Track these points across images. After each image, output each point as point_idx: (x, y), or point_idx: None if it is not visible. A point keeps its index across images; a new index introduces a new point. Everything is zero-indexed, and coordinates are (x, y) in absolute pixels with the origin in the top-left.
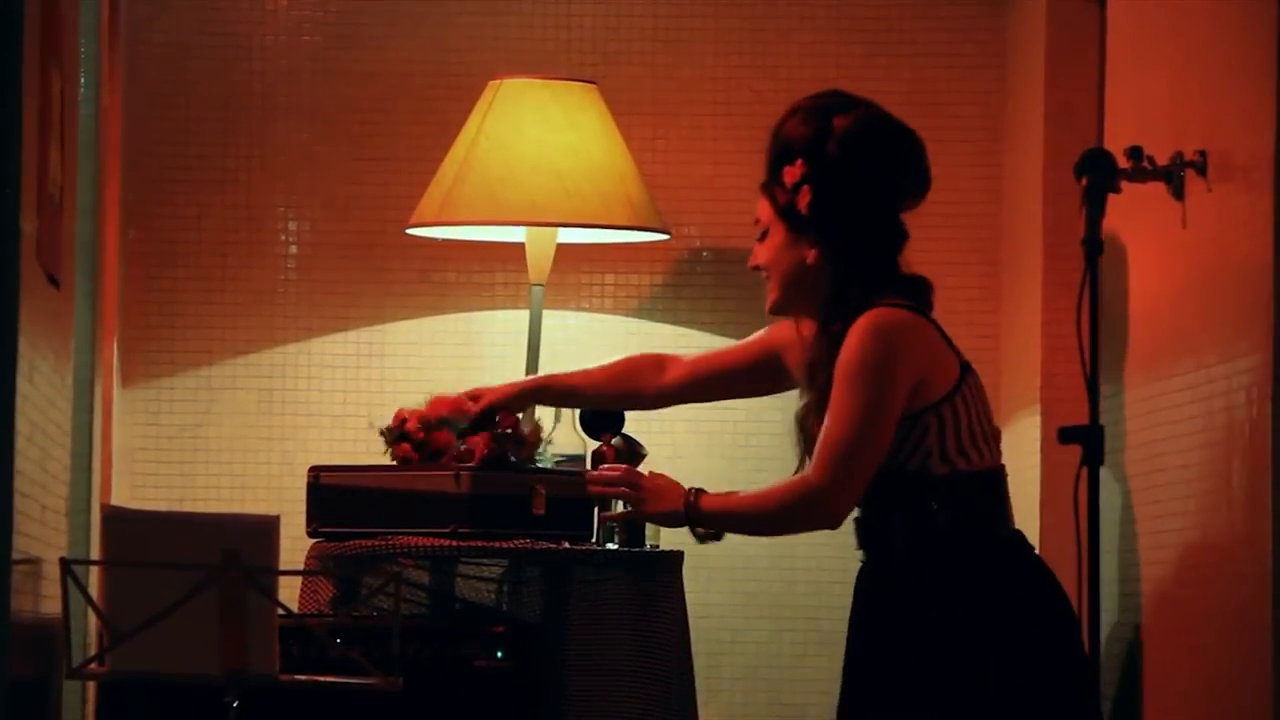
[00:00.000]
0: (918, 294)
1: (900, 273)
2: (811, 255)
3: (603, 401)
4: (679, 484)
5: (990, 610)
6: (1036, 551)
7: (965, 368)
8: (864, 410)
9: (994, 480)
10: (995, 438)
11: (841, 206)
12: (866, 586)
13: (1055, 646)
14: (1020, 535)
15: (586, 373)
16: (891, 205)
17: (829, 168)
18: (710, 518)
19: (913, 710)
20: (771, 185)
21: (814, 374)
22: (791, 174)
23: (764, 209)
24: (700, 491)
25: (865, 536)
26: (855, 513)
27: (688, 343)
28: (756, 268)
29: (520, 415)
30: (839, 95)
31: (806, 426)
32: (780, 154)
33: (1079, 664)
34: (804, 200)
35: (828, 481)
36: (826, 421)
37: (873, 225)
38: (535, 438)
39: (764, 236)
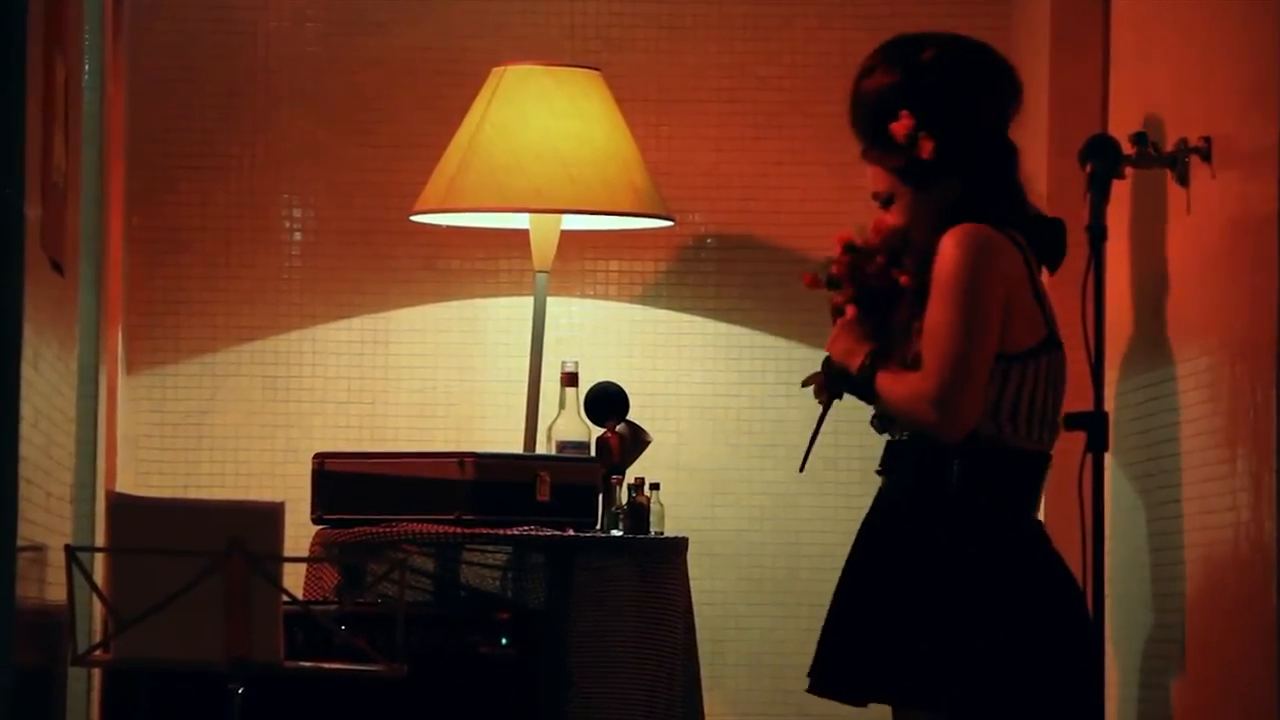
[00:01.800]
0: (1037, 234)
1: (1026, 204)
2: (950, 189)
3: None
4: (866, 344)
5: (992, 594)
6: (1052, 544)
7: (1053, 341)
8: (964, 314)
9: (1034, 463)
10: (1053, 424)
11: (963, 138)
12: (880, 516)
13: (1058, 637)
14: (1040, 525)
15: None
16: (999, 124)
17: (937, 105)
18: (872, 390)
19: (887, 660)
20: (879, 149)
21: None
22: (900, 128)
23: (878, 177)
24: (876, 362)
25: (892, 463)
26: (887, 433)
27: (692, 328)
28: (899, 236)
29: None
30: (902, 37)
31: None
32: (876, 112)
33: (1079, 660)
34: (926, 148)
35: (941, 388)
36: (925, 334)
37: (994, 145)
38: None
39: (888, 203)
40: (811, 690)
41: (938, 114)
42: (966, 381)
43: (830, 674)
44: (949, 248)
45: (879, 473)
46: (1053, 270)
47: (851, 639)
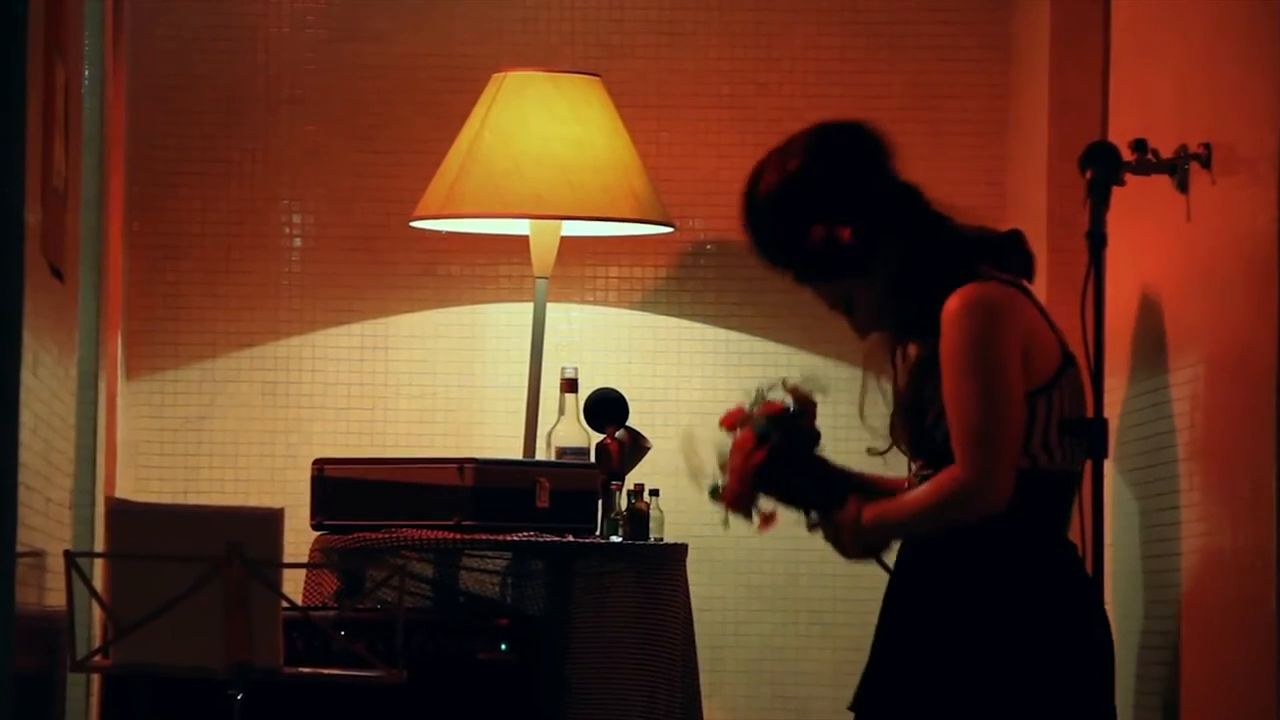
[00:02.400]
0: (1004, 255)
1: (980, 233)
2: (892, 265)
3: None
4: (852, 506)
5: (1025, 617)
6: (1084, 565)
7: (1068, 358)
8: (982, 392)
9: (1066, 483)
10: (1079, 440)
11: (871, 209)
12: (911, 555)
13: (1081, 663)
14: (1073, 547)
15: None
16: (892, 181)
17: (829, 190)
18: (872, 530)
19: (930, 692)
20: (807, 268)
21: (913, 375)
22: (818, 231)
23: (826, 293)
24: (861, 507)
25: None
26: (925, 472)
27: (692, 335)
28: (866, 331)
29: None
30: (759, 165)
31: (900, 427)
32: (789, 230)
33: (1099, 685)
34: (845, 234)
35: (976, 473)
36: (950, 415)
37: (896, 200)
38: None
39: (852, 309)
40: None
41: (838, 198)
42: (996, 462)
43: (873, 706)
44: (955, 317)
45: None
46: (1031, 279)
47: (894, 673)
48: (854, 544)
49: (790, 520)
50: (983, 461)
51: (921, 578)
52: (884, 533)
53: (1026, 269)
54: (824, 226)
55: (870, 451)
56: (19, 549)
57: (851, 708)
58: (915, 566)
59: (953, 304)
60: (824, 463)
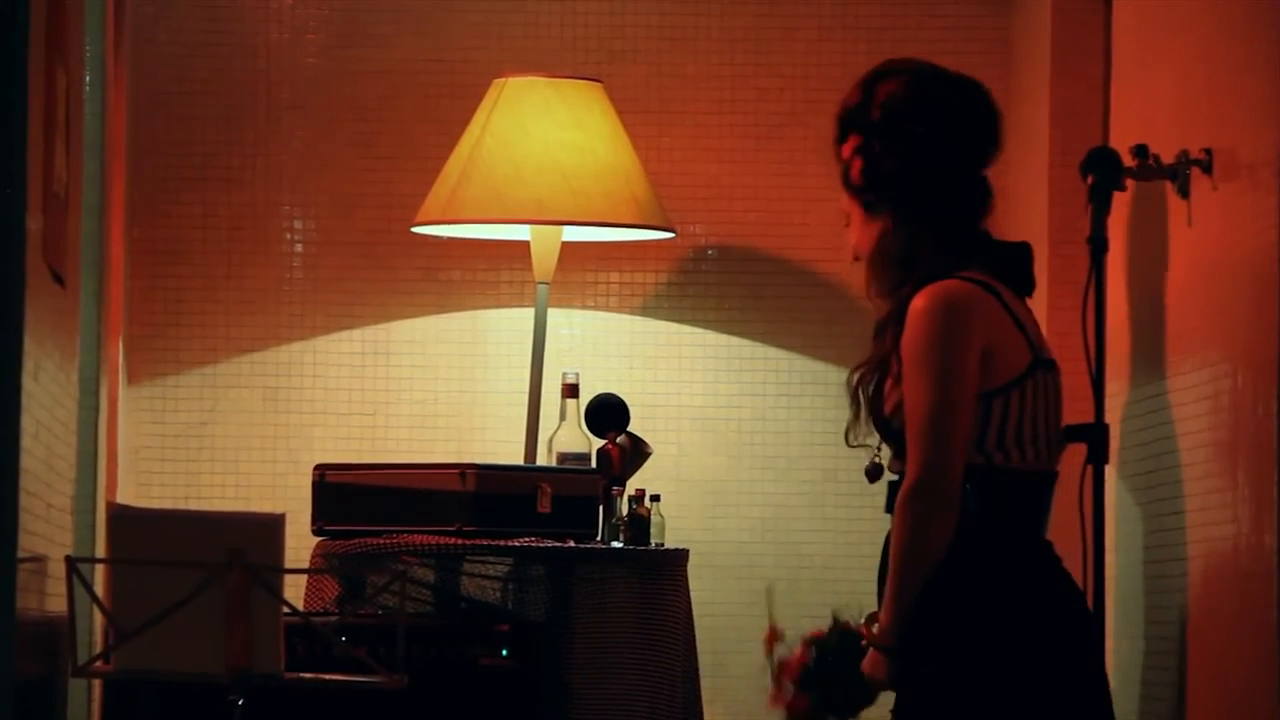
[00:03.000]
0: (1004, 263)
1: (987, 238)
2: (886, 226)
3: None
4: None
5: (1000, 615)
6: (1062, 563)
7: (1039, 362)
8: (935, 392)
9: (1032, 482)
10: (1051, 440)
11: (896, 170)
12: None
13: (1063, 663)
14: (1048, 545)
15: None
16: (957, 162)
17: (876, 134)
18: (889, 625)
19: (916, 682)
20: (839, 164)
21: (880, 334)
22: (846, 149)
23: (843, 197)
24: (869, 626)
25: (892, 502)
26: (892, 476)
27: (693, 340)
28: (857, 259)
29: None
30: (891, 62)
31: (859, 385)
32: (839, 133)
33: (1088, 682)
34: (854, 170)
35: (923, 475)
36: (906, 412)
37: (937, 185)
38: None
39: (847, 224)
40: None
41: (877, 143)
42: (942, 457)
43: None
44: (918, 316)
45: (889, 511)
46: (1028, 295)
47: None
48: (882, 667)
49: (790, 522)
50: (928, 458)
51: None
52: (895, 606)
53: (1022, 282)
54: (853, 148)
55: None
56: (20, 554)
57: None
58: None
59: (918, 301)
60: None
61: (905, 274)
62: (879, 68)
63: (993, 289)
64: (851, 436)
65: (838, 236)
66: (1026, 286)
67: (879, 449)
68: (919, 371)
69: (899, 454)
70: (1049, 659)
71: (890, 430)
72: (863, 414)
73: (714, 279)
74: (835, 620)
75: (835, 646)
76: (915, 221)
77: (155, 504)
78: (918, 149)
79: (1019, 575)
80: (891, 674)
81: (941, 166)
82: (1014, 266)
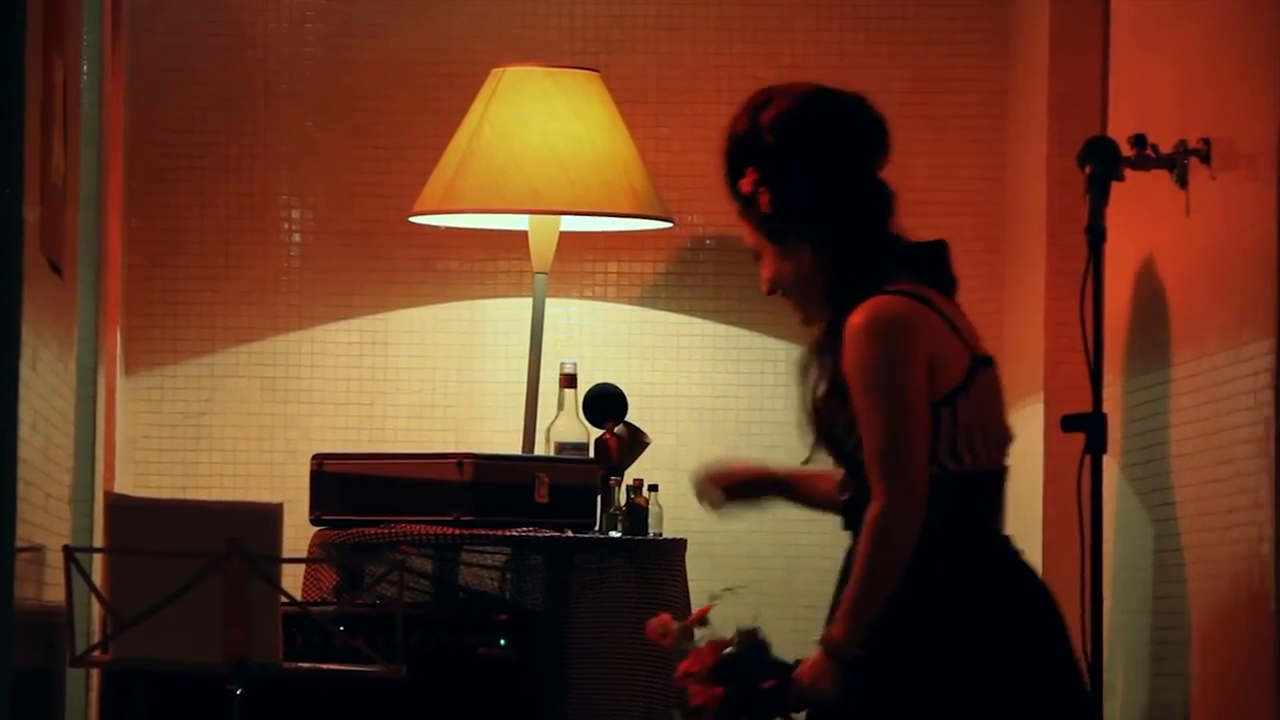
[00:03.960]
0: (926, 266)
1: (902, 241)
2: (804, 254)
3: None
4: (816, 657)
5: (964, 613)
6: (1022, 555)
7: (978, 362)
8: (888, 411)
9: (985, 482)
10: (1000, 439)
11: (802, 191)
12: (849, 566)
13: (1033, 656)
14: (1006, 540)
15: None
16: (856, 170)
17: (775, 159)
18: (852, 636)
19: (878, 697)
20: (739, 204)
21: (820, 356)
22: (745, 184)
23: (747, 232)
24: (825, 636)
25: (852, 519)
26: (846, 494)
27: (691, 330)
28: (772, 292)
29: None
30: (770, 88)
31: (813, 416)
32: (731, 170)
33: (1063, 672)
34: (764, 201)
35: (891, 496)
36: (861, 432)
37: (844, 197)
38: None
39: (759, 259)
40: None
41: (777, 169)
42: (907, 479)
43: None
44: (859, 336)
45: (846, 529)
46: (952, 295)
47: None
48: (827, 677)
49: (788, 512)
50: (895, 482)
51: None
52: (858, 619)
53: (944, 283)
54: (753, 181)
55: (804, 464)
56: (18, 544)
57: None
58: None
59: (855, 320)
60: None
61: (836, 293)
62: (759, 95)
63: (923, 297)
64: (815, 458)
65: None
66: (950, 285)
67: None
68: (870, 394)
69: (853, 474)
70: (1017, 654)
71: (844, 451)
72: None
73: (712, 269)
74: (743, 633)
75: (745, 656)
76: (831, 240)
77: (153, 493)
78: (819, 165)
79: (980, 574)
80: (841, 682)
81: (844, 178)
82: (934, 267)
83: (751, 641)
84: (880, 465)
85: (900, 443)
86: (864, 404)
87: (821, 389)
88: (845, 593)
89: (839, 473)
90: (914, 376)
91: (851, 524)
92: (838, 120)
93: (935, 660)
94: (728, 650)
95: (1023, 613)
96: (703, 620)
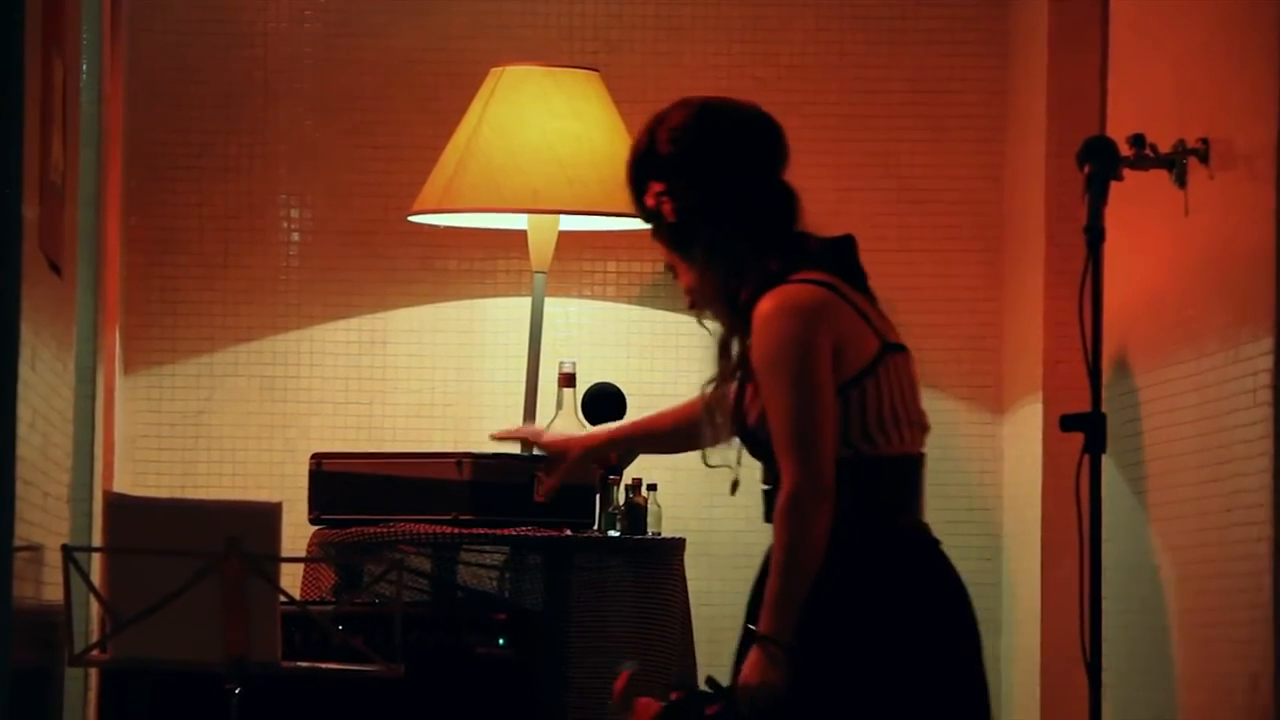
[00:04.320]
0: (834, 260)
1: (809, 238)
2: (712, 261)
3: (678, 440)
4: (746, 667)
5: (875, 599)
6: (938, 545)
7: (887, 347)
8: (795, 395)
9: (899, 467)
10: (913, 423)
11: (706, 198)
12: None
13: (941, 644)
14: (921, 527)
15: (664, 413)
16: (752, 174)
17: (674, 169)
18: (780, 626)
19: (798, 688)
20: (647, 220)
21: (724, 349)
22: (649, 198)
23: (661, 250)
24: (750, 628)
25: (771, 509)
26: (765, 485)
27: (690, 329)
28: (694, 306)
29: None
30: (665, 108)
31: (712, 406)
32: (635, 187)
33: (964, 665)
34: (667, 210)
35: (798, 479)
36: (769, 419)
37: (742, 200)
38: None
39: (675, 276)
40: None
41: (678, 178)
42: (814, 460)
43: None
44: (764, 321)
45: (767, 520)
46: (863, 288)
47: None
48: (770, 669)
49: None
50: (801, 464)
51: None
52: (785, 608)
53: (854, 276)
54: (657, 193)
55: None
56: (16, 543)
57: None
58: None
59: (762, 308)
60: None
61: (738, 294)
62: (657, 113)
63: (832, 286)
64: (709, 458)
65: (833, 227)
66: (858, 278)
67: (739, 463)
68: (776, 377)
69: (768, 464)
70: (926, 642)
71: (757, 442)
72: (719, 433)
73: None
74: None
75: (684, 694)
76: (735, 245)
77: (152, 493)
78: (715, 170)
79: (894, 561)
80: (788, 671)
81: (741, 182)
82: (842, 261)
83: (685, 682)
84: (787, 447)
85: (807, 424)
86: (770, 388)
87: (733, 381)
88: (769, 582)
89: (686, 406)
90: (820, 359)
91: (771, 514)
92: (730, 127)
93: (843, 645)
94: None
95: (930, 600)
96: (628, 684)
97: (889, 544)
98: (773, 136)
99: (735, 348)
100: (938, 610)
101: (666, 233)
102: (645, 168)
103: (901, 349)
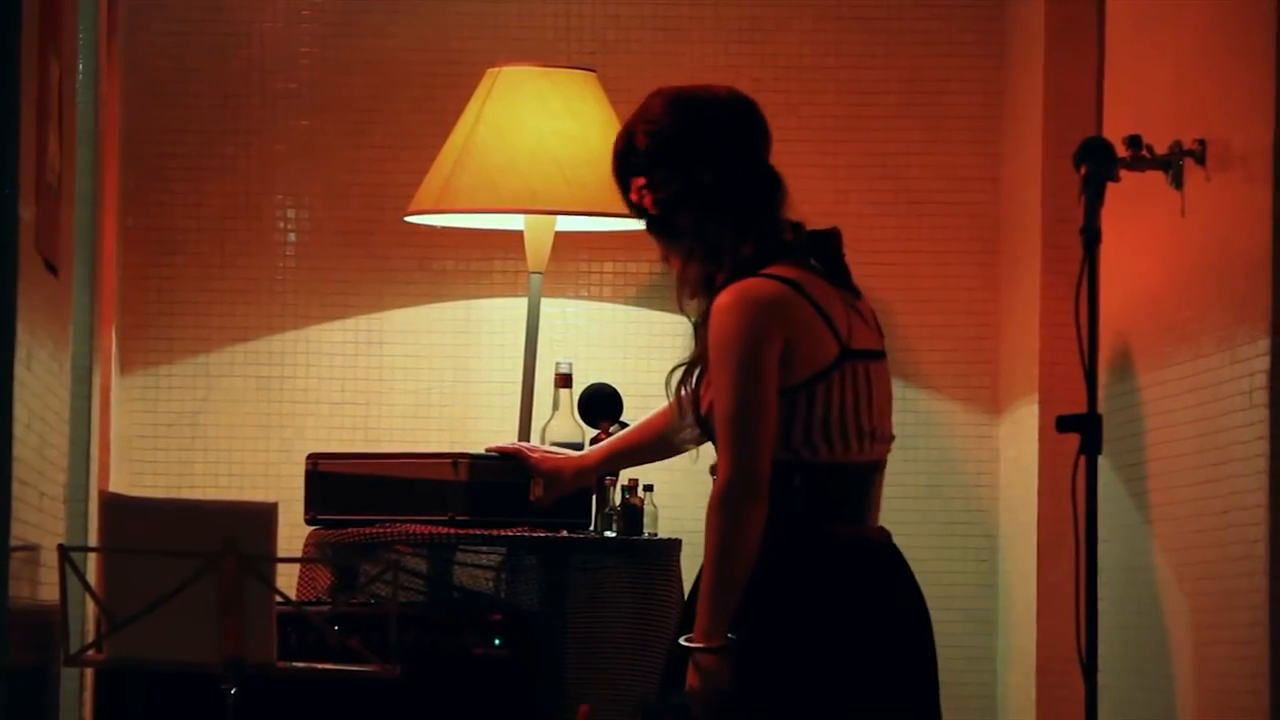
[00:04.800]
0: (813, 253)
1: (789, 227)
2: (694, 248)
3: (666, 445)
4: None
5: (804, 603)
6: (880, 552)
7: (846, 354)
8: (738, 387)
9: (842, 475)
10: (867, 433)
11: (684, 184)
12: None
13: (871, 651)
14: (865, 535)
15: (643, 424)
16: (730, 159)
17: (652, 159)
18: (712, 625)
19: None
20: (636, 214)
21: (697, 334)
22: (633, 193)
23: (654, 244)
24: (690, 637)
25: None
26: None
27: (686, 330)
28: (690, 296)
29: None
30: (644, 101)
31: (678, 384)
32: (621, 184)
33: (914, 670)
34: (648, 200)
35: (730, 474)
36: (714, 411)
37: (723, 185)
38: None
39: (670, 266)
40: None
41: (656, 168)
42: (748, 454)
43: (678, 697)
44: (719, 314)
45: None
46: (842, 285)
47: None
48: (710, 669)
49: None
50: (735, 456)
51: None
52: (718, 604)
53: (834, 271)
54: (639, 188)
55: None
56: (13, 543)
57: (658, 697)
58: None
59: (721, 299)
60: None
61: (713, 272)
62: (638, 107)
63: (797, 284)
64: (675, 438)
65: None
66: (840, 274)
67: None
68: (721, 369)
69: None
70: (873, 652)
71: (707, 430)
72: (687, 414)
73: None
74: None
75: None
76: (713, 230)
77: (148, 493)
78: (691, 159)
79: (825, 567)
80: (729, 669)
81: (717, 166)
82: (824, 255)
83: (648, 708)
84: (725, 441)
85: (744, 421)
86: (716, 380)
87: (689, 366)
88: (704, 578)
89: (660, 414)
90: (765, 358)
91: None
92: (702, 115)
93: (774, 647)
94: None
95: (864, 606)
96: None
97: (821, 550)
98: (749, 120)
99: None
100: (870, 616)
101: (652, 225)
102: (626, 163)
103: (873, 355)
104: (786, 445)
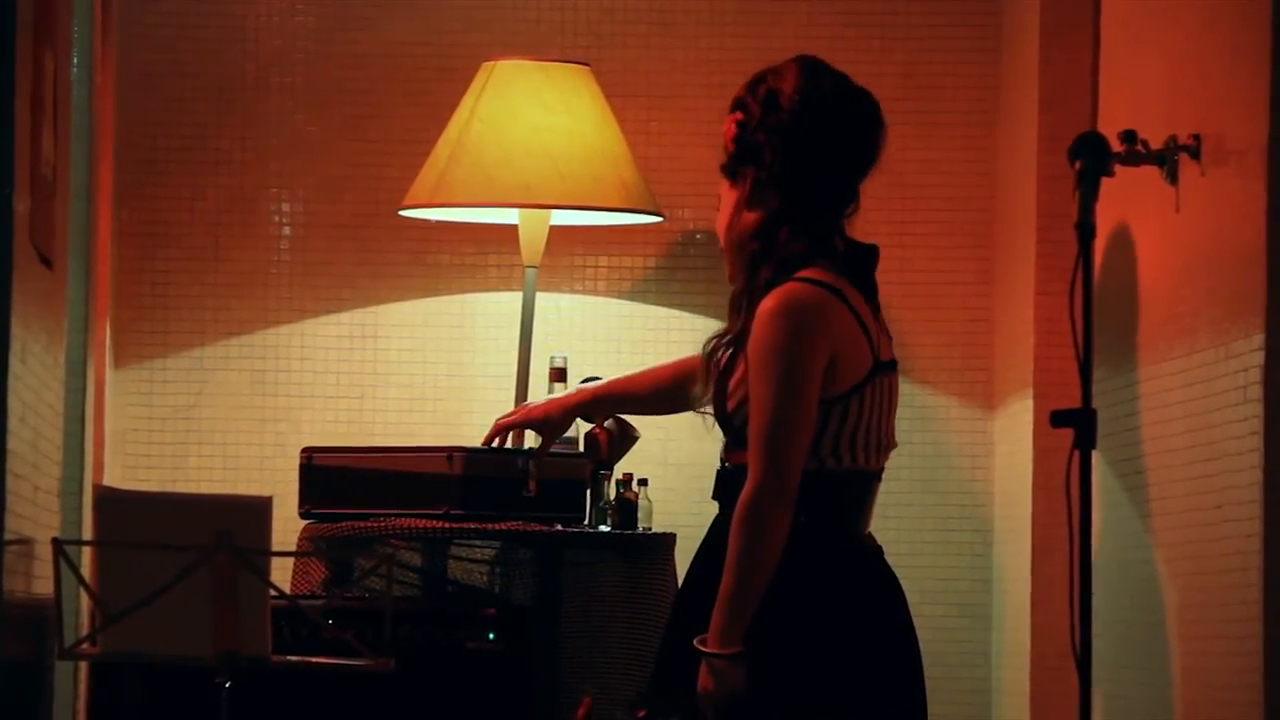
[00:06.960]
0: (851, 264)
1: (838, 239)
2: (746, 195)
3: (661, 401)
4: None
5: (825, 608)
6: (879, 556)
7: (879, 365)
8: (779, 395)
9: (859, 482)
10: (882, 444)
11: (767, 141)
12: (714, 541)
13: (884, 650)
14: (864, 539)
15: (644, 374)
16: (833, 161)
17: (757, 103)
18: (729, 630)
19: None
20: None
21: (735, 309)
22: (733, 119)
23: (720, 184)
24: (703, 639)
25: (721, 489)
26: (719, 464)
27: (680, 324)
28: (730, 242)
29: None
30: (814, 65)
31: (712, 354)
32: (741, 109)
33: (899, 676)
34: (727, 134)
35: (762, 481)
36: (750, 414)
37: (806, 175)
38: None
39: (718, 208)
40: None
41: (761, 112)
42: (783, 464)
43: (666, 699)
44: (766, 319)
45: (715, 498)
46: (870, 298)
47: (687, 665)
48: (723, 672)
49: None
50: (771, 465)
51: (708, 579)
52: (736, 611)
53: (865, 284)
54: (738, 118)
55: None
56: (7, 537)
57: (644, 701)
58: (704, 568)
59: (767, 303)
60: None
61: (760, 252)
62: (805, 59)
63: (839, 292)
64: (696, 404)
65: None
66: (870, 290)
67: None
68: (765, 376)
69: (735, 445)
70: (869, 648)
71: (730, 425)
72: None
73: (702, 263)
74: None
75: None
76: (777, 202)
77: (142, 486)
78: (822, 150)
79: (843, 572)
80: (744, 672)
81: (833, 172)
82: (860, 268)
83: (648, 699)
84: (759, 447)
85: (784, 428)
86: (758, 384)
87: (727, 342)
88: (722, 581)
89: (666, 368)
90: (812, 370)
91: (720, 493)
92: (859, 121)
93: (789, 652)
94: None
95: (871, 609)
96: (589, 711)
97: (840, 556)
98: (876, 145)
99: (744, 308)
100: (879, 619)
101: (726, 157)
102: (742, 96)
103: (892, 367)
104: (815, 454)
